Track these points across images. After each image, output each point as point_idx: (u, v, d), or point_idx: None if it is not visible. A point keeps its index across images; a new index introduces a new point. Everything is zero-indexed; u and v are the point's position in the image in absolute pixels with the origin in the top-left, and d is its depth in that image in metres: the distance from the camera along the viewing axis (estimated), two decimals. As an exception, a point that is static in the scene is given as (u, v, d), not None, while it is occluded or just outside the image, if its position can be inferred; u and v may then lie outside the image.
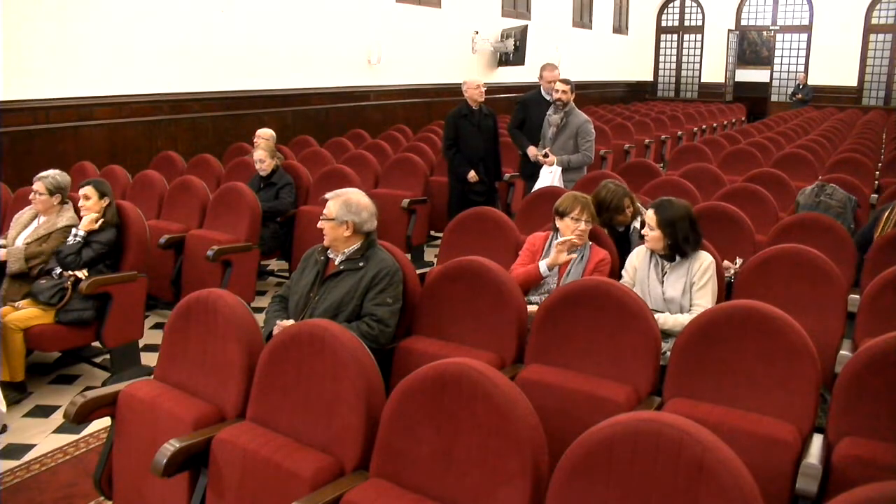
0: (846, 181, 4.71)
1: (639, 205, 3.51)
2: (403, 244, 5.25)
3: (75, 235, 3.61)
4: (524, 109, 5.48)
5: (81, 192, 3.65)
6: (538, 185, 4.85)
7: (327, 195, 2.79)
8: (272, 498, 1.88)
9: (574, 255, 3.04)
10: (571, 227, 3.03)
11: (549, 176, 4.81)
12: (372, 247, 2.77)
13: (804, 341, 2.12)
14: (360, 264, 2.69)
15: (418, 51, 9.43)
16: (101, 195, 3.66)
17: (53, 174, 3.80)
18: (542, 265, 3.03)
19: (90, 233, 3.60)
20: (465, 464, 1.71)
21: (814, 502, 1.86)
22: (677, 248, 2.79)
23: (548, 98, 5.29)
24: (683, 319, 2.62)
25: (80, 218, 3.69)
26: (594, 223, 3.15)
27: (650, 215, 2.83)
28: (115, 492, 2.32)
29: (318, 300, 2.67)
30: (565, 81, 4.98)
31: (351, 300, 2.64)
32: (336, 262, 2.74)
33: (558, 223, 3.09)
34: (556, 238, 3.12)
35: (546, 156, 4.85)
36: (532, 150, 5.12)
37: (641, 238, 3.42)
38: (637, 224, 3.47)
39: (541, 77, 5.43)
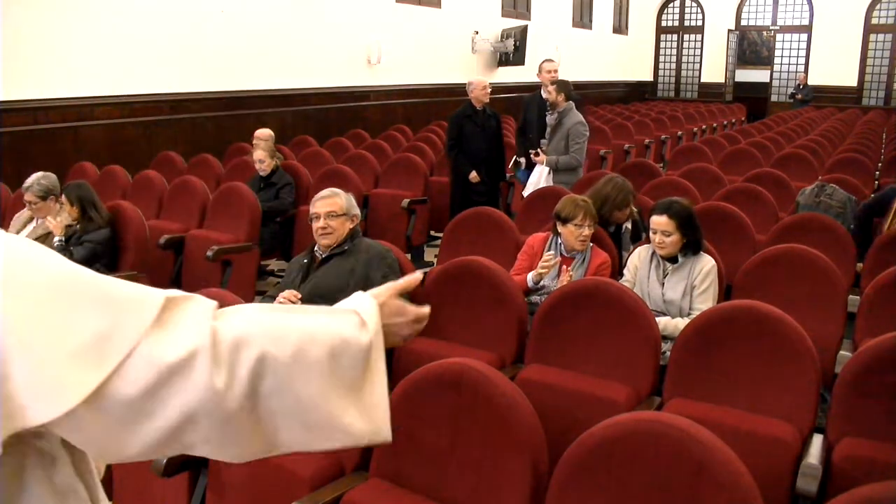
0: (846, 181, 4.71)
1: (633, 208, 3.53)
2: (403, 244, 5.25)
3: (58, 240, 3.62)
4: (526, 108, 5.48)
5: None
6: (529, 184, 4.89)
7: (320, 195, 2.82)
8: (272, 498, 1.88)
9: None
10: (574, 234, 3.02)
11: (537, 176, 4.83)
12: (357, 236, 2.83)
13: (804, 341, 2.12)
14: (346, 248, 2.76)
15: (418, 51, 9.43)
16: (71, 203, 3.62)
17: (36, 179, 3.74)
18: (529, 278, 3.01)
19: (84, 234, 3.60)
20: (465, 464, 1.71)
21: (814, 502, 1.86)
22: (697, 244, 2.80)
23: (544, 95, 5.29)
24: (682, 326, 2.61)
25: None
26: (595, 227, 3.15)
27: (663, 221, 2.78)
28: (115, 492, 2.32)
29: (310, 285, 2.70)
30: (553, 82, 4.98)
31: (344, 285, 2.64)
32: (322, 256, 2.80)
33: (560, 228, 3.07)
34: (556, 241, 3.12)
35: (537, 154, 4.86)
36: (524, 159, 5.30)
37: (633, 238, 3.43)
38: (629, 225, 3.48)
39: None
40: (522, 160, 5.41)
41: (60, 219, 3.61)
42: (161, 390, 0.71)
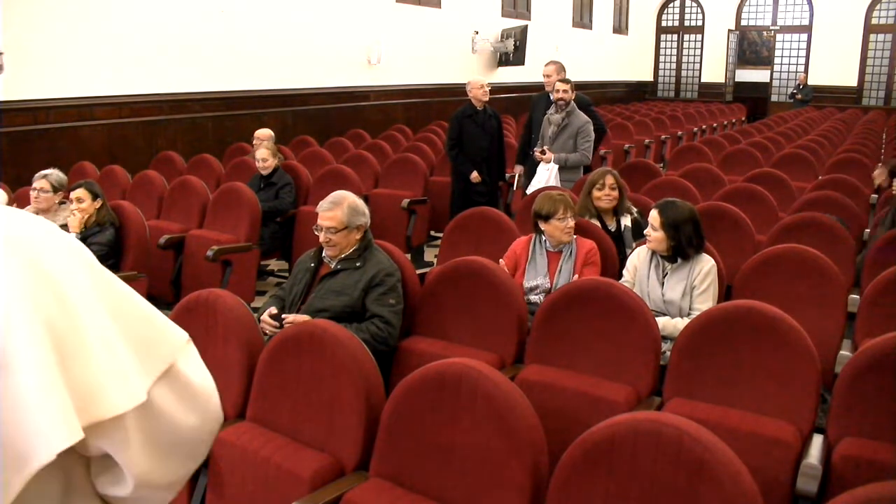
0: (846, 181, 4.71)
1: (629, 203, 3.56)
2: (403, 244, 5.25)
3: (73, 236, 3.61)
4: (533, 108, 5.47)
5: (74, 194, 3.64)
6: (535, 182, 4.87)
7: (322, 206, 2.71)
8: (272, 498, 1.88)
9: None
10: (560, 227, 3.04)
11: (546, 174, 4.83)
12: (370, 247, 2.74)
13: (804, 341, 2.12)
14: (358, 264, 2.66)
15: (418, 51, 9.43)
16: (94, 196, 3.67)
17: (55, 172, 3.84)
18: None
19: (88, 234, 3.60)
20: (464, 464, 1.71)
21: (814, 502, 1.86)
22: (680, 250, 2.79)
23: (555, 95, 5.27)
24: (682, 326, 2.61)
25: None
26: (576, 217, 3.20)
27: (654, 216, 2.82)
28: (115, 492, 2.31)
29: (315, 299, 2.66)
30: (566, 81, 4.98)
31: (349, 299, 2.62)
32: (332, 265, 2.72)
33: (543, 226, 3.08)
34: (541, 240, 3.13)
35: (543, 153, 4.86)
36: (518, 169, 5.36)
37: (635, 236, 3.45)
38: (628, 222, 3.50)
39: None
40: (520, 171, 5.40)
41: (78, 215, 3.62)
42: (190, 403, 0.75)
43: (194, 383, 0.75)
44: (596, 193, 3.50)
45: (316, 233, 2.72)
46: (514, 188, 5.51)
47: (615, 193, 3.50)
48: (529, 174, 5.24)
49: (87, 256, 0.70)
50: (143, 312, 0.72)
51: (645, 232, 2.88)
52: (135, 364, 0.68)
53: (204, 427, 0.77)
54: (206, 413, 0.77)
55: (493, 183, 5.46)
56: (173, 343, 0.74)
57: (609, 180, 3.50)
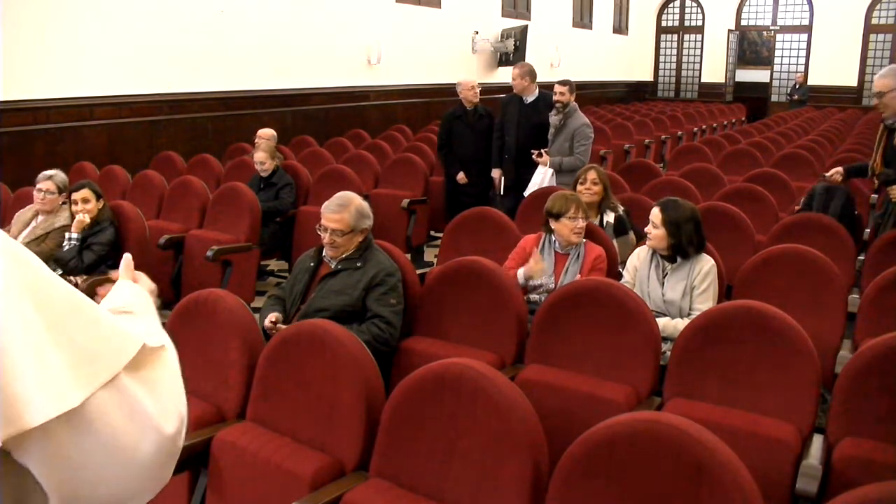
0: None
1: (614, 201, 3.57)
2: (403, 244, 5.24)
3: (69, 239, 3.61)
4: (503, 111, 5.36)
5: (78, 195, 3.64)
6: (531, 184, 4.87)
7: (329, 207, 2.70)
8: (272, 498, 1.88)
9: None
10: (570, 227, 3.03)
11: (541, 176, 4.83)
12: (370, 247, 2.74)
13: (804, 341, 2.12)
14: (358, 264, 2.67)
15: (418, 51, 9.43)
16: (98, 196, 3.68)
17: (59, 173, 3.85)
18: (520, 274, 3.01)
19: (89, 234, 3.60)
20: (464, 464, 1.71)
21: (814, 502, 1.86)
22: (680, 249, 2.79)
23: (521, 97, 5.21)
24: (682, 327, 2.61)
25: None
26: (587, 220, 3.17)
27: (655, 213, 2.82)
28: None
29: (315, 298, 2.66)
30: (562, 83, 4.96)
31: (349, 299, 2.62)
32: (333, 265, 2.72)
33: (554, 225, 3.07)
34: (550, 239, 3.12)
35: (540, 155, 4.86)
36: (496, 173, 5.23)
37: (616, 233, 3.46)
38: (610, 219, 3.50)
39: None
40: (497, 175, 5.26)
41: (87, 218, 3.62)
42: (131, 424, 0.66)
43: (142, 399, 0.66)
44: (579, 188, 3.53)
45: (319, 233, 2.72)
46: (496, 192, 5.41)
47: (596, 188, 3.53)
48: (514, 179, 5.17)
49: (24, 257, 0.64)
50: (87, 318, 0.66)
51: (645, 230, 2.89)
52: (68, 373, 0.62)
53: (157, 453, 0.67)
54: (159, 434, 0.67)
55: (483, 184, 5.43)
56: (121, 351, 0.66)
57: (591, 175, 3.54)
